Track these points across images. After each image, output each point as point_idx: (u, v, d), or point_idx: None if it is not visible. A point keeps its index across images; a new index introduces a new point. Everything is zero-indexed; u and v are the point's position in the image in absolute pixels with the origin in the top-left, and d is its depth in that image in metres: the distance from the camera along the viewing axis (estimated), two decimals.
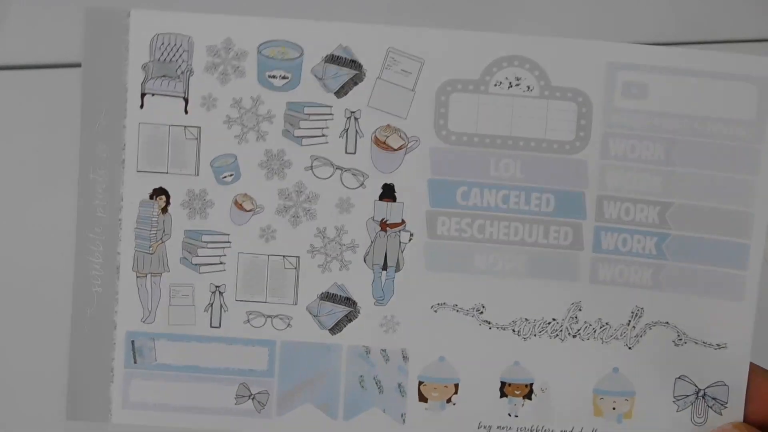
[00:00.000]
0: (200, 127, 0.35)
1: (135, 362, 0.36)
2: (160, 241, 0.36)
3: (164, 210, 0.36)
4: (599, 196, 0.35)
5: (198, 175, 0.36)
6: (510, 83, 0.35)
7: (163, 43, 0.35)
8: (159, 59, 0.35)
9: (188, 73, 0.35)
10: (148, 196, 0.36)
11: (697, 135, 0.35)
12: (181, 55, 0.35)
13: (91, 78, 0.36)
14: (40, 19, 0.63)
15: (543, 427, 0.36)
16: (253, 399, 0.36)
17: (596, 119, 0.35)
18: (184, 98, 0.35)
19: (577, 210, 0.35)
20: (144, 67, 0.35)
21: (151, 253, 0.36)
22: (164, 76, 0.35)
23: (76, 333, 0.36)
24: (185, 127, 0.36)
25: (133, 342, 0.36)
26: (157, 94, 0.36)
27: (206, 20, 0.35)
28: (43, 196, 0.59)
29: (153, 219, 0.36)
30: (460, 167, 0.35)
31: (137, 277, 0.36)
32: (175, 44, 0.35)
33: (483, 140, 0.35)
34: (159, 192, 0.36)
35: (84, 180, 0.36)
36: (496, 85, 0.35)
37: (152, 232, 0.36)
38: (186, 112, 0.35)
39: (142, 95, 0.36)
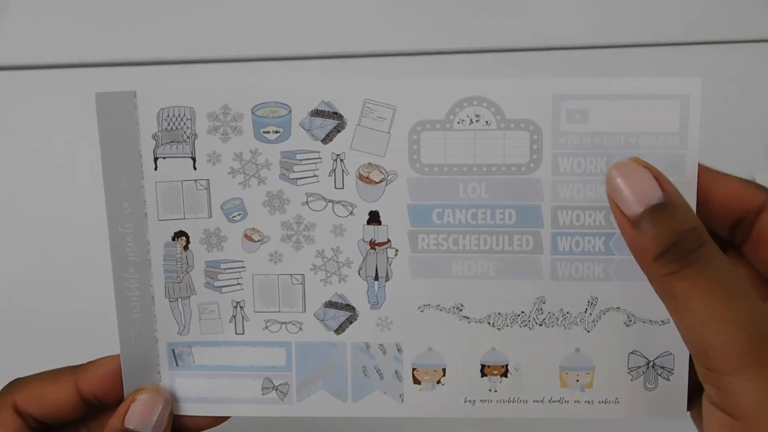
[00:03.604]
0: (209, 179, 0.40)
1: (177, 365, 0.42)
2: (186, 272, 0.41)
3: (186, 248, 0.41)
4: (553, 207, 0.40)
5: (211, 217, 0.41)
6: (471, 120, 0.39)
7: (168, 115, 0.40)
8: (166, 128, 0.40)
9: (193, 137, 0.40)
10: (170, 238, 0.41)
11: (631, 148, 0.39)
12: (185, 123, 0.40)
13: (109, 149, 0.40)
14: (40, 19, 0.64)
15: (518, 398, 0.41)
16: (276, 389, 0.42)
17: (546, 143, 0.39)
18: (192, 157, 0.40)
19: (536, 220, 0.40)
20: (154, 136, 0.40)
21: (179, 282, 0.41)
22: (172, 141, 0.40)
23: (125, 348, 0.42)
24: (195, 180, 0.40)
25: (173, 350, 0.42)
26: (168, 157, 0.40)
27: (204, 91, 0.40)
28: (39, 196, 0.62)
29: (177, 256, 0.41)
30: (433, 192, 0.40)
31: (170, 301, 0.42)
32: (179, 114, 0.40)
33: (451, 169, 0.40)
34: (179, 234, 0.41)
35: (114, 233, 0.41)
36: (459, 122, 0.39)
37: (177, 266, 0.41)
38: (195, 168, 0.40)
39: (155, 159, 0.40)
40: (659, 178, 0.34)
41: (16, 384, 0.41)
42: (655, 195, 0.34)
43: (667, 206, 0.34)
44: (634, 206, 0.34)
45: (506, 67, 0.65)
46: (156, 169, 0.40)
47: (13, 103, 0.64)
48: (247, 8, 0.64)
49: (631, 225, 0.34)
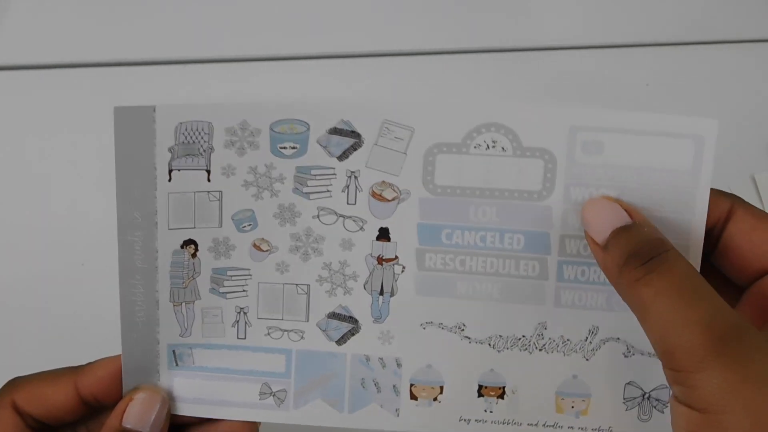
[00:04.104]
0: (221, 191, 0.40)
1: (177, 365, 0.43)
2: (191, 278, 0.41)
3: (194, 255, 0.41)
4: (562, 236, 0.40)
5: (221, 226, 0.41)
6: (487, 145, 0.39)
7: (186, 129, 0.39)
8: (183, 142, 0.40)
9: (209, 150, 0.40)
10: (179, 246, 0.41)
11: (643, 182, 0.39)
12: (202, 137, 0.40)
13: (123, 159, 0.40)
14: (40, 19, 0.64)
15: (513, 420, 0.42)
16: (273, 395, 0.43)
17: (560, 173, 0.39)
18: (206, 170, 0.40)
19: (543, 247, 0.40)
20: (170, 149, 0.40)
21: (184, 288, 0.41)
22: (188, 155, 0.40)
23: (127, 350, 0.42)
24: (208, 192, 0.40)
25: (174, 350, 0.42)
26: (183, 169, 0.40)
27: (223, 107, 0.39)
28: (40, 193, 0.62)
29: (184, 263, 0.41)
30: (444, 213, 0.40)
31: (174, 305, 0.42)
32: (197, 129, 0.39)
33: (464, 191, 0.40)
34: (188, 242, 0.41)
35: (123, 241, 0.41)
36: (475, 147, 0.39)
37: (184, 272, 0.41)
38: (209, 180, 0.40)
39: (170, 171, 0.40)
40: (629, 210, 0.37)
41: (15, 383, 0.41)
42: (622, 219, 0.36)
43: (632, 226, 0.36)
44: (604, 231, 0.36)
45: (507, 67, 0.66)
46: (170, 180, 0.40)
47: (13, 103, 0.63)
48: (247, 8, 0.64)
49: (602, 249, 0.36)
